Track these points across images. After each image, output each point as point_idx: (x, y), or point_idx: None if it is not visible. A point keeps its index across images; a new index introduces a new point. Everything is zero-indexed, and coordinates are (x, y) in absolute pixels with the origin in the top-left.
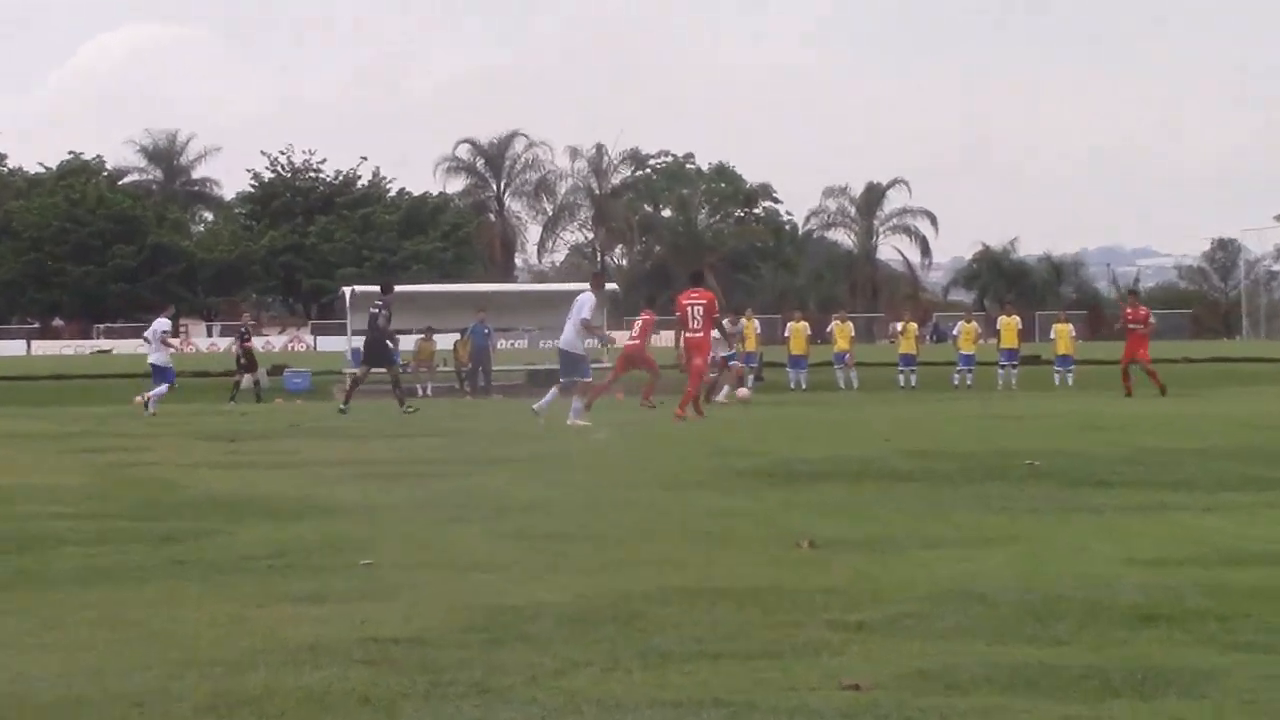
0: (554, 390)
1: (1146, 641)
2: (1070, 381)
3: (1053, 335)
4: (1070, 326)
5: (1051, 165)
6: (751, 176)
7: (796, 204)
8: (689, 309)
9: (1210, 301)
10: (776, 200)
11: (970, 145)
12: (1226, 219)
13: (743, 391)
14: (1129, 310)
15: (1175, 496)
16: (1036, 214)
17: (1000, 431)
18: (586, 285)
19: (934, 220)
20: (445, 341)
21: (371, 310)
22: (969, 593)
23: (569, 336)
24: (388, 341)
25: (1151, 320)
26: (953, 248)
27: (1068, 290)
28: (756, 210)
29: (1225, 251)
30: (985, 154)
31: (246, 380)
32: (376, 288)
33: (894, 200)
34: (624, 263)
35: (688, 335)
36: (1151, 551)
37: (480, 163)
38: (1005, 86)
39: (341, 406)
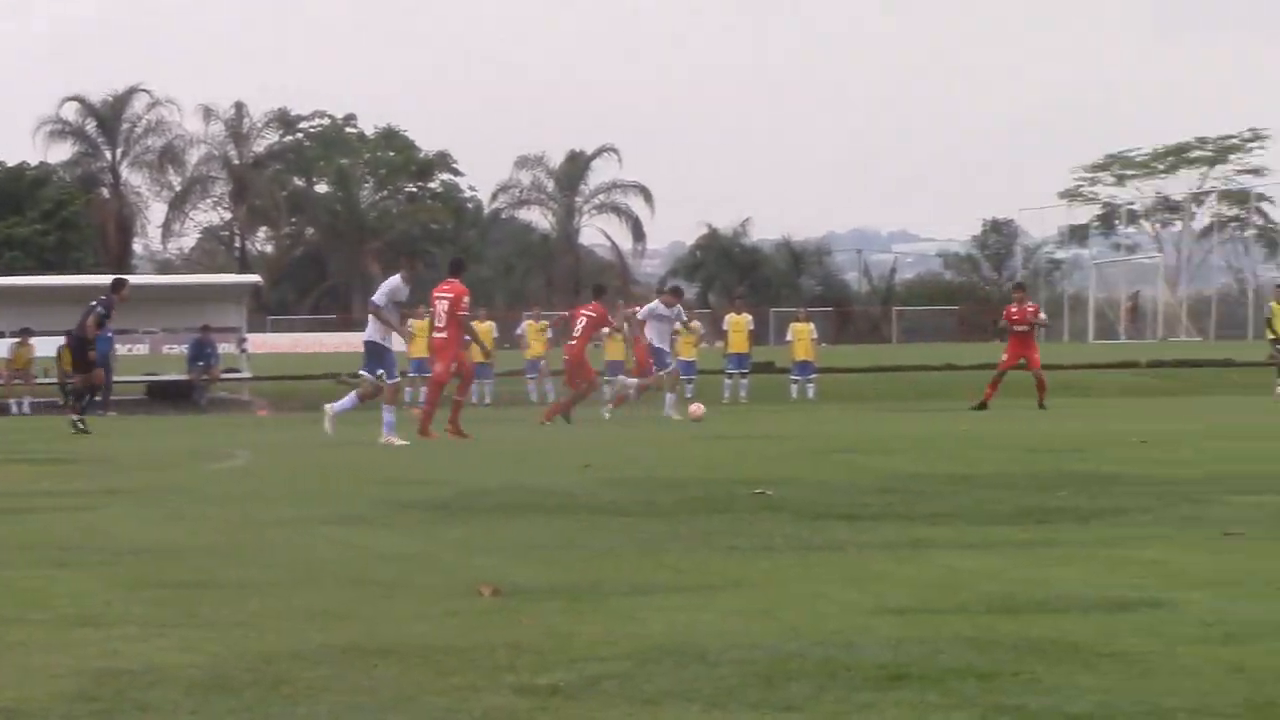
0: (352, 394)
1: (895, 705)
2: (811, 393)
3: (790, 337)
4: (811, 326)
5: (793, 134)
6: (429, 144)
7: (485, 177)
8: (437, 304)
9: (981, 295)
10: (457, 172)
11: (693, 107)
12: (1002, 198)
13: (696, 408)
14: (1013, 308)
15: (934, 532)
16: (774, 191)
17: (726, 455)
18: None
19: (649, 197)
20: (47, 346)
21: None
22: (684, 649)
23: (371, 325)
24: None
25: (1042, 316)
26: (673, 231)
27: (810, 282)
28: (433, 184)
29: (1000, 235)
30: (712, 118)
31: None
32: None
33: (602, 173)
34: (269, 248)
35: (433, 336)
36: (903, 598)
37: (91, 125)
38: (734, 33)
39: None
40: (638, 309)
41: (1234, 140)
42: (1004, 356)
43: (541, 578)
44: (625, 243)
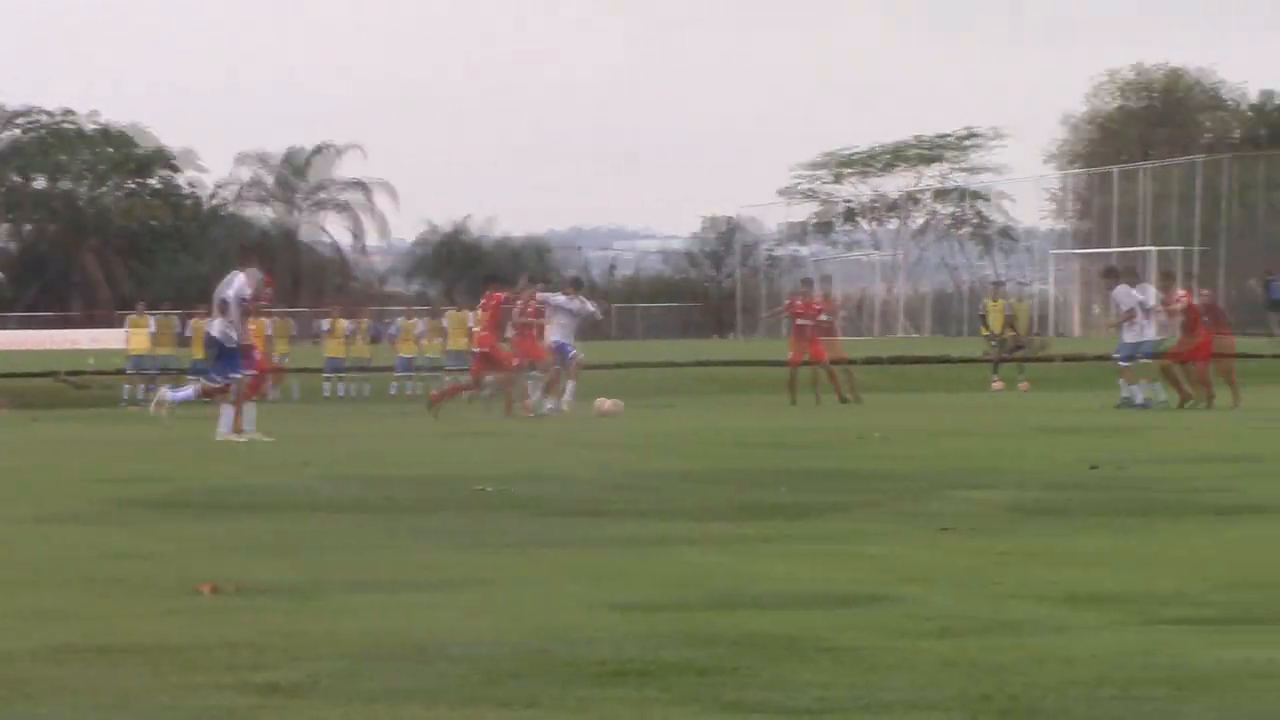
0: (193, 386)
1: (616, 702)
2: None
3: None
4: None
5: (517, 131)
6: (159, 139)
7: (211, 173)
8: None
9: (701, 292)
10: (175, 169)
11: (418, 104)
12: (722, 196)
13: (607, 403)
14: (798, 300)
15: (659, 527)
16: (498, 188)
17: (455, 451)
18: None
19: (371, 194)
20: None
21: None
22: (406, 646)
23: (217, 322)
24: None
25: (828, 314)
26: (396, 228)
27: None
28: (152, 181)
29: (720, 233)
30: (437, 115)
31: None
32: None
33: (323, 169)
34: None
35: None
36: (627, 594)
37: None
38: (460, 30)
39: None
40: (547, 299)
41: (950, 139)
42: (790, 354)
43: (262, 575)
44: (347, 239)
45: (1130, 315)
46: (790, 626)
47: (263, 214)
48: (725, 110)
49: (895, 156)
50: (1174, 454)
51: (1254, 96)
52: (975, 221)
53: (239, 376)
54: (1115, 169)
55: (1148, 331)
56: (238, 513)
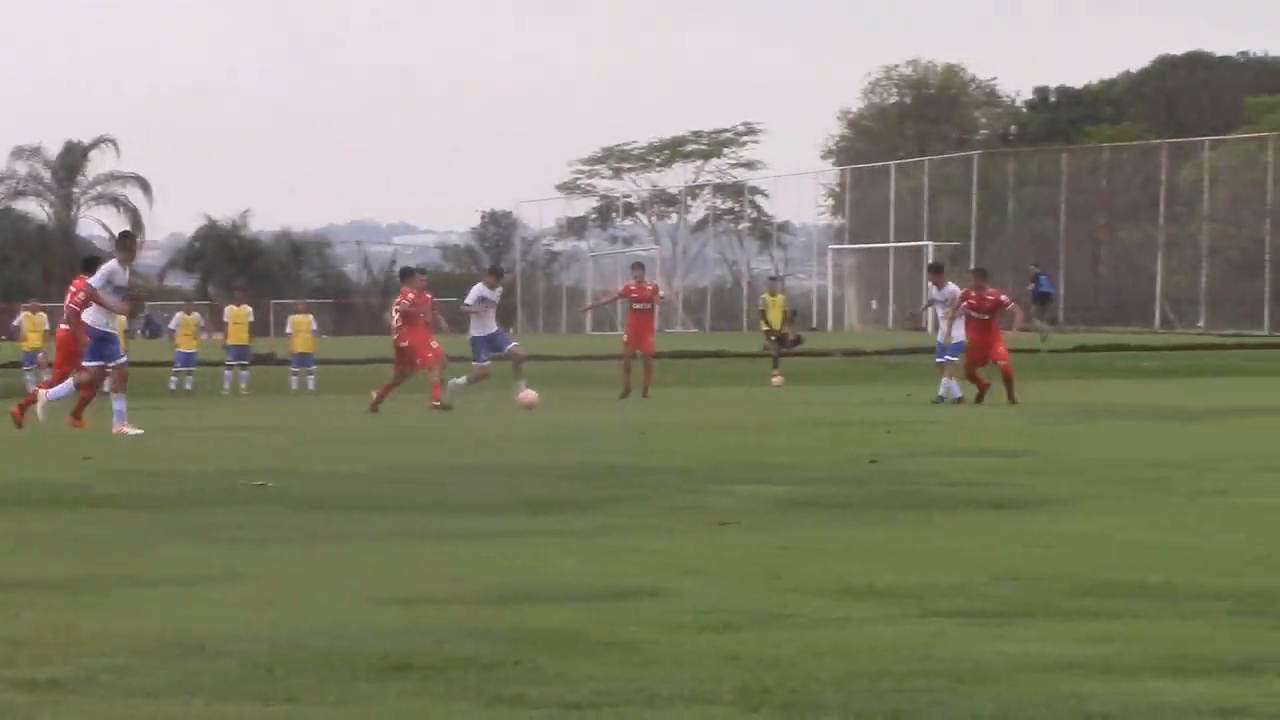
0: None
1: (397, 696)
2: (311, 384)
3: (290, 329)
4: (311, 318)
5: (293, 125)
6: None
7: None
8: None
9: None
10: None
11: (193, 99)
12: (501, 191)
13: (528, 394)
14: (631, 285)
15: (439, 522)
16: (275, 183)
17: (227, 447)
18: None
19: (148, 188)
20: None
21: None
22: (185, 642)
23: (92, 311)
24: None
25: (663, 294)
26: (174, 222)
27: (310, 274)
28: None
29: (499, 227)
30: (213, 110)
31: None
32: None
33: (101, 164)
34: None
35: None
36: (407, 589)
37: None
38: (236, 27)
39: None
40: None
41: (728, 134)
42: (626, 338)
43: (39, 571)
44: None
45: (956, 311)
46: (571, 621)
47: (40, 209)
48: (504, 106)
49: (674, 152)
50: (951, 448)
51: (1028, 93)
52: (753, 216)
53: (119, 362)
54: (892, 164)
55: (958, 329)
56: (13, 508)
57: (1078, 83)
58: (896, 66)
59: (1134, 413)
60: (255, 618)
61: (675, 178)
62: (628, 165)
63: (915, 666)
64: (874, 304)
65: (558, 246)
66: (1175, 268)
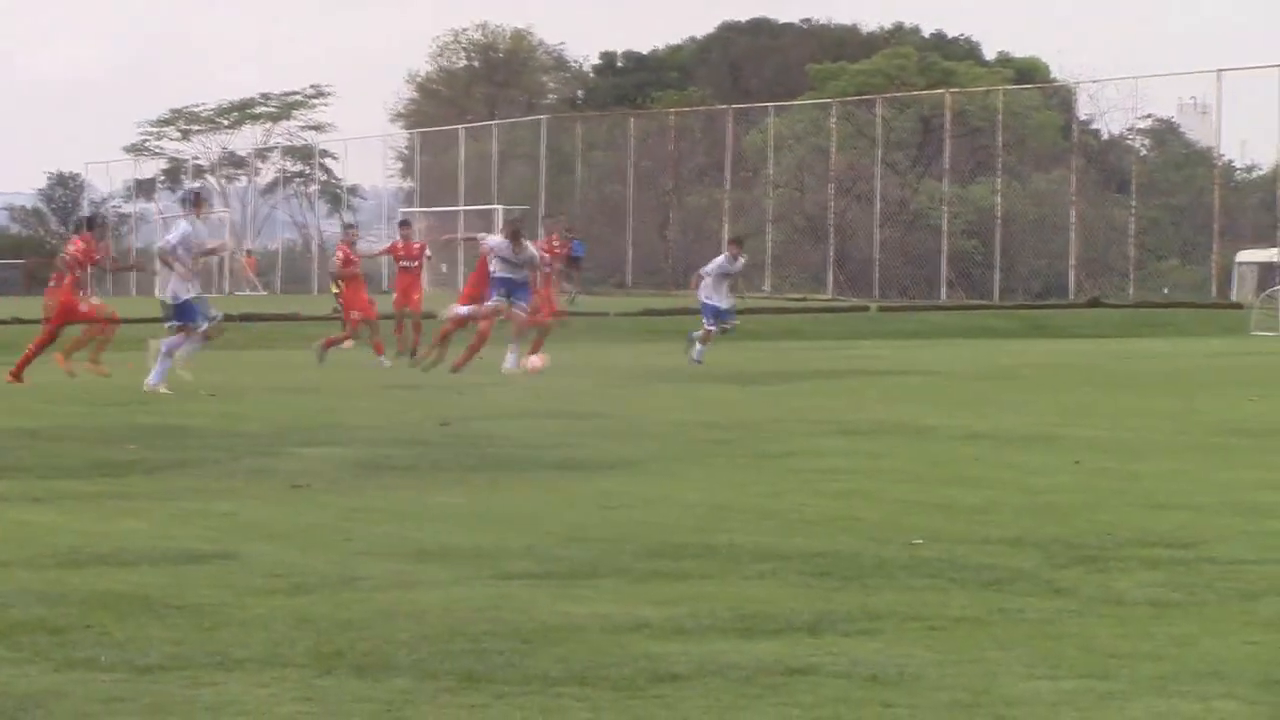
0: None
1: None
2: None
3: None
4: None
5: None
6: None
7: None
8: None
9: (49, 250)
10: None
11: None
12: (68, 151)
13: (534, 360)
14: (399, 243)
15: (3, 486)
16: None
17: None
18: None
19: None
20: None
21: None
22: None
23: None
24: None
25: (428, 254)
26: None
27: None
28: None
29: (67, 189)
30: None
31: None
32: None
33: None
34: None
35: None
36: None
37: None
38: None
39: None
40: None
41: (298, 97)
42: (396, 296)
43: None
44: None
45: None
46: (142, 584)
47: None
48: (70, 66)
49: (242, 114)
50: (521, 410)
51: (596, 58)
52: (323, 179)
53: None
54: (461, 128)
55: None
56: None
57: (645, 48)
58: (465, 30)
59: (700, 376)
60: None
61: (245, 140)
62: (196, 127)
63: (486, 628)
64: (444, 267)
65: (126, 208)
66: (741, 232)
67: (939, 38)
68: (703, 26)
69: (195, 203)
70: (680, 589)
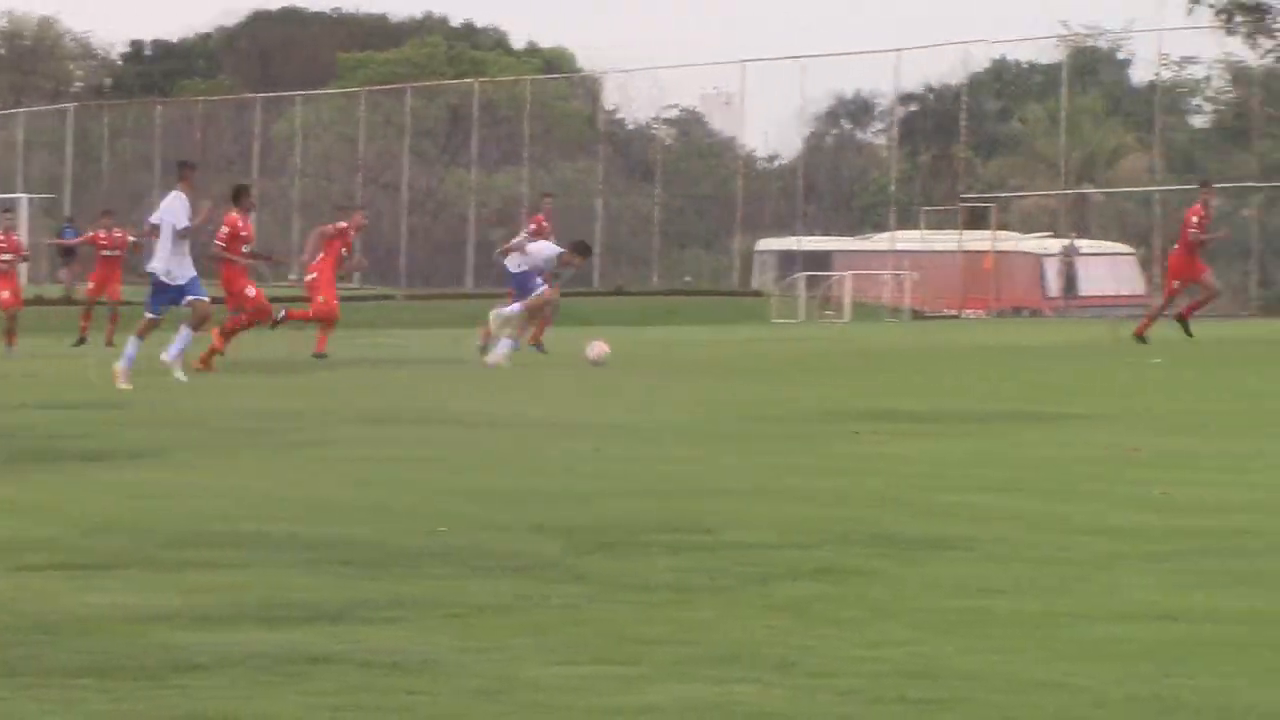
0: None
1: None
2: None
3: None
4: None
5: None
6: None
7: None
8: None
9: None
10: None
11: None
12: None
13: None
14: (100, 233)
15: None
16: None
17: None
18: None
19: None
20: None
21: None
22: None
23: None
24: None
25: (132, 238)
26: None
27: None
28: None
29: None
30: None
31: None
32: None
33: None
34: None
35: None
36: None
37: None
38: None
39: None
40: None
41: None
42: (91, 285)
43: None
44: None
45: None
46: None
47: None
48: None
49: None
50: (44, 401)
51: (124, 46)
52: None
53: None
54: None
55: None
56: None
57: (173, 36)
58: None
59: (224, 366)
60: None
61: None
62: None
63: (5, 620)
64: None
65: None
66: (268, 220)
67: (468, 27)
68: (232, 15)
69: None
70: (208, 578)
